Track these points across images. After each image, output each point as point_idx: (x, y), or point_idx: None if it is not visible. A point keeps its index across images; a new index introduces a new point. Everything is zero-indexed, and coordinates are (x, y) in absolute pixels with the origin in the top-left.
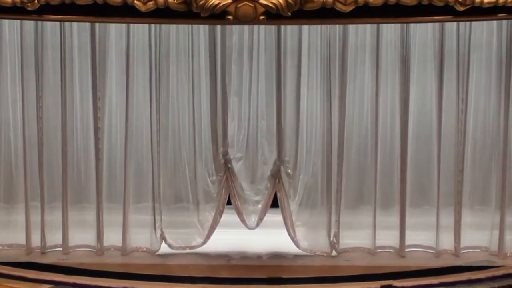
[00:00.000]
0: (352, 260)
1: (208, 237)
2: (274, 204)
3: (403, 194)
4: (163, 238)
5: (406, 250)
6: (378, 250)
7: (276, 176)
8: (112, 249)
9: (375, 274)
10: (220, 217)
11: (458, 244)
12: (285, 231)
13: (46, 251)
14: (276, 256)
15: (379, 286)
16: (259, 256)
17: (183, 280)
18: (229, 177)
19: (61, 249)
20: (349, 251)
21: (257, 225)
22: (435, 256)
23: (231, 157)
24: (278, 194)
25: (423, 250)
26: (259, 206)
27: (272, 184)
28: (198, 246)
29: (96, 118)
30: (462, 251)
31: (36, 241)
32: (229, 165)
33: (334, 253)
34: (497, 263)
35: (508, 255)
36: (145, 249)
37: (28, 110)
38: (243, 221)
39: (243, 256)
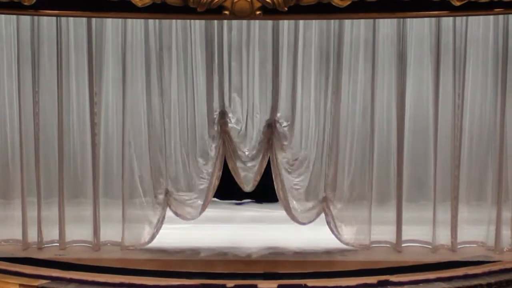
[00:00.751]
0: (349, 255)
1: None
2: (271, 200)
3: (399, 188)
4: (167, 204)
5: (403, 245)
6: (375, 245)
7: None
8: (109, 244)
9: (372, 269)
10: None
11: (454, 239)
12: (282, 226)
13: (43, 246)
14: (273, 251)
15: (376, 281)
16: (255, 252)
17: (179, 275)
18: (226, 140)
19: (57, 244)
20: (346, 246)
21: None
22: (432, 251)
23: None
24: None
25: (419, 245)
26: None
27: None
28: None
29: (92, 113)
30: (459, 246)
31: (32, 236)
32: (226, 128)
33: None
34: (493, 258)
35: (504, 250)
36: (140, 244)
37: (25, 105)
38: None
39: (240, 251)
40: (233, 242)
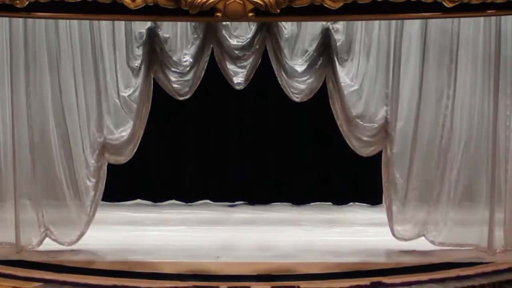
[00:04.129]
0: (342, 257)
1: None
2: (264, 201)
3: (388, 190)
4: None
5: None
6: (368, 247)
7: None
8: (102, 247)
9: (365, 271)
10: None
11: (447, 240)
12: (274, 228)
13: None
14: (266, 253)
15: (368, 283)
16: (248, 253)
17: (172, 278)
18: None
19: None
20: (338, 248)
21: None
22: (425, 252)
23: None
24: None
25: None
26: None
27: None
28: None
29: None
30: (451, 248)
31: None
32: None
33: None
34: (486, 260)
35: (497, 251)
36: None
37: (18, 108)
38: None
39: (232, 253)
40: (226, 243)
